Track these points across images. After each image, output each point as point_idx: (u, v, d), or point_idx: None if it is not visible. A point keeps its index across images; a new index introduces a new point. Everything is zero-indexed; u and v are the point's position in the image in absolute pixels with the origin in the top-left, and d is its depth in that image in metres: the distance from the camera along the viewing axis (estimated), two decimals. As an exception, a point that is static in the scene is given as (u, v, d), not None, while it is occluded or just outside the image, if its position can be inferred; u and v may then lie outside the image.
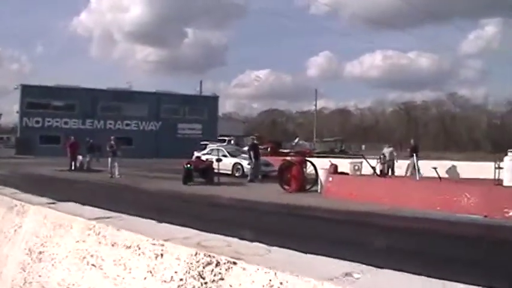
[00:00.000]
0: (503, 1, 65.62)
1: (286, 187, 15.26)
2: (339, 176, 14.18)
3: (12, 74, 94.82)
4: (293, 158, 17.33)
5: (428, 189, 12.02)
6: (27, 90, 45.97)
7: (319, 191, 14.75)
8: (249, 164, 20.08)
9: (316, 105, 57.02)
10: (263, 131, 77.26)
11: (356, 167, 14.36)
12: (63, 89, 46.51)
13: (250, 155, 19.09)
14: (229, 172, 20.83)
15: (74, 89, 46.90)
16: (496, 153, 22.15)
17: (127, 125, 48.28)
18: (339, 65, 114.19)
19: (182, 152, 37.76)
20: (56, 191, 14.05)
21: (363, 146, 41.91)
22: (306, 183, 15.37)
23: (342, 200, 12.71)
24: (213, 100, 54.47)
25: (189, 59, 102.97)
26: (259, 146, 28.30)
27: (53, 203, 4.02)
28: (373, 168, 14.13)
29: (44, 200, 4.23)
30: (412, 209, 11.03)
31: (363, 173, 15.79)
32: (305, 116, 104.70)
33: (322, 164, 16.71)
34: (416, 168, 16.72)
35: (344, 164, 17.23)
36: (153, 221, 2.93)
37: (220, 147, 24.35)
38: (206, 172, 17.60)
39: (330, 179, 14.16)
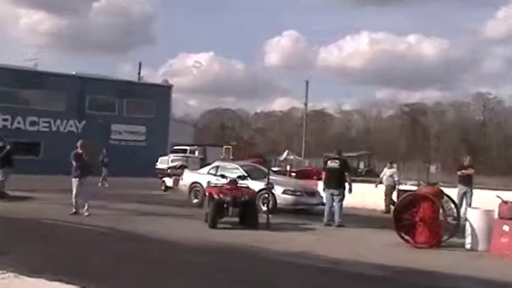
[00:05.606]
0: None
1: (408, 238, 11.86)
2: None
3: None
4: (422, 188, 13.95)
5: None
6: None
7: (469, 246, 11.52)
8: (299, 194, 16.77)
9: (306, 104, 54.38)
10: (209, 138, 73.66)
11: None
12: None
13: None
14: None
15: None
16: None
17: (32, 123, 43.45)
18: (310, 51, 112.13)
19: (117, 167, 32.34)
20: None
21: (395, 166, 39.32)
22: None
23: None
24: (164, 91, 50.66)
25: (100, 32, 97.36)
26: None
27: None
28: None
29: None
30: None
31: None
32: (266, 119, 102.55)
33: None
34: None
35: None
36: None
37: (225, 163, 21.38)
38: (248, 207, 13.80)
39: (506, 228, 10.92)
